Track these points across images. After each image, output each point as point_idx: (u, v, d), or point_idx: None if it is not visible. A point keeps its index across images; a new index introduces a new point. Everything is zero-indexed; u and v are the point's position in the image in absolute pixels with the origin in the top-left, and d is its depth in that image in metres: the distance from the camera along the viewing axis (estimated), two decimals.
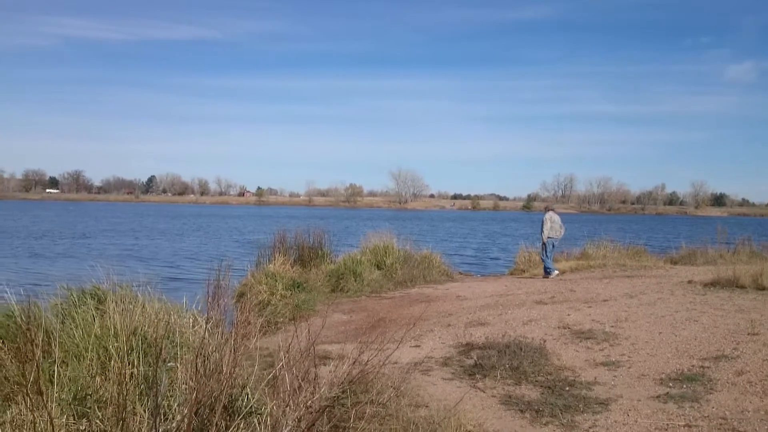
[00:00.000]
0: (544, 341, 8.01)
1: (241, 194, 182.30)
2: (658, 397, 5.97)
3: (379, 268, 16.00)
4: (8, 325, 6.36)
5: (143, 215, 74.53)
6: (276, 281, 13.17)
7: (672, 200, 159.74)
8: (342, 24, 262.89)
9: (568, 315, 9.66)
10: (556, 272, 15.77)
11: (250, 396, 4.39)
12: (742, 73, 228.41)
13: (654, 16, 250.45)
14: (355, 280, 14.47)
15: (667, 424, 5.28)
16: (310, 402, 3.70)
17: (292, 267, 15.39)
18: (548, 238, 15.90)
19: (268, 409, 3.72)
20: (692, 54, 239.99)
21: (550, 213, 16.35)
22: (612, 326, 8.75)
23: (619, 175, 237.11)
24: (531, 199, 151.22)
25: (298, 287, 13.37)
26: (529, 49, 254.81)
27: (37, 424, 3.85)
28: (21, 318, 6.23)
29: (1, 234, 37.83)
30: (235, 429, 3.96)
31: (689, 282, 12.44)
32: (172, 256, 27.14)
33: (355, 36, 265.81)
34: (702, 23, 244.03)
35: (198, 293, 7.59)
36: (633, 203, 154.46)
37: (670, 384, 6.31)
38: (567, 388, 6.28)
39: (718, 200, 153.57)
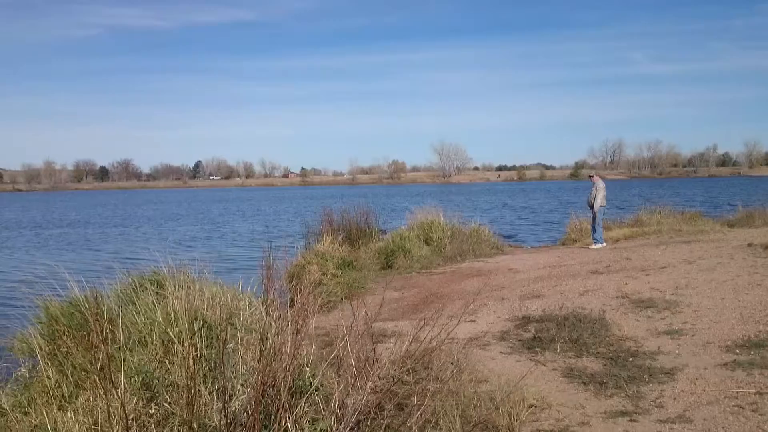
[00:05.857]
0: (603, 312, 7.85)
1: (286, 176, 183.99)
2: (725, 364, 5.79)
3: (427, 244, 15.94)
4: (72, 313, 6.54)
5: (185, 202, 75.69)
6: (326, 261, 13.27)
7: (725, 161, 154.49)
8: None
9: (626, 284, 9.44)
10: (603, 245, 15.39)
11: (310, 375, 4.42)
12: None
13: None
14: (405, 257, 14.45)
15: (737, 392, 5.11)
16: (374, 383, 3.70)
17: (341, 246, 15.47)
18: (600, 206, 15.49)
19: (336, 393, 3.72)
20: (744, 8, 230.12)
21: (600, 180, 15.90)
22: (672, 294, 8.52)
23: (670, 138, 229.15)
24: (578, 166, 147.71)
25: (348, 266, 13.44)
26: (576, 12, 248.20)
27: (110, 410, 3.95)
28: (86, 307, 6.40)
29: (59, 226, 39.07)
30: (300, 408, 4.00)
31: (749, 245, 12.01)
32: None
33: (392, 8, 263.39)
34: None
35: (239, 276, 7.68)
36: (684, 166, 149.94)
37: (737, 351, 6.10)
38: (630, 359, 6.14)
39: None
